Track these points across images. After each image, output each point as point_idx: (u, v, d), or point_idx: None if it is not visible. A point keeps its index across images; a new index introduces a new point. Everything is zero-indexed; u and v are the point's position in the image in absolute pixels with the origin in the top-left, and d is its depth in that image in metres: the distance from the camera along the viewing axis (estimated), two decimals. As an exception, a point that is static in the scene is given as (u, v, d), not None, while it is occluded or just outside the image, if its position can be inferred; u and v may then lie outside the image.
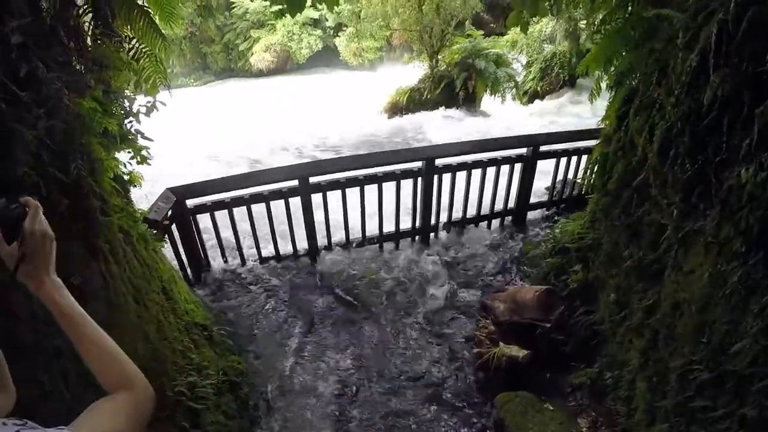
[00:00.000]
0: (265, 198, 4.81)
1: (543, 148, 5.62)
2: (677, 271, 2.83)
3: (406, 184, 5.21)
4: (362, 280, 5.01)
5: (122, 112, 3.27)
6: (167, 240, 4.38)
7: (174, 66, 28.53)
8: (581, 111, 14.00)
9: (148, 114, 3.93)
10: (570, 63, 14.98)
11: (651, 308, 3.07)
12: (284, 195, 4.84)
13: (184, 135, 12.93)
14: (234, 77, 29.20)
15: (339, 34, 23.23)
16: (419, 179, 5.15)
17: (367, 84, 20.84)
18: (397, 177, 5.10)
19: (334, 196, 5.00)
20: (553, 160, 5.88)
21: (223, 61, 29.74)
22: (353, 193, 5.04)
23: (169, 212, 4.24)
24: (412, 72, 15.71)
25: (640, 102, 3.25)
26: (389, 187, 5.15)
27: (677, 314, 2.75)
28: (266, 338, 4.40)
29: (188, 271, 4.79)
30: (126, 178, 3.30)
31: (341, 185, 4.94)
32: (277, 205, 4.90)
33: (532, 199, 6.07)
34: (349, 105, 17.00)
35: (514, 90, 14.68)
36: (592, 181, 4.28)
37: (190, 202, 4.61)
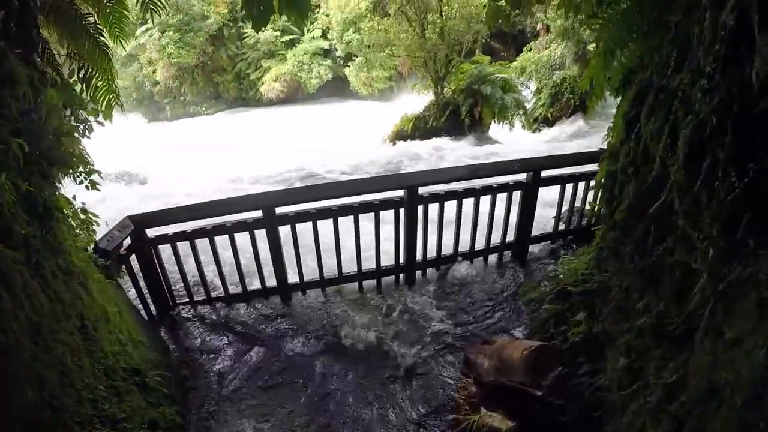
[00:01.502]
0: (228, 230, 4.38)
1: (545, 173, 4.99)
2: (714, 337, 1.99)
3: (387, 216, 4.63)
4: (335, 326, 4.41)
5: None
6: (124, 272, 4.13)
7: (186, 94, 28.96)
8: (594, 137, 13.38)
9: (85, 134, 3.54)
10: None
11: (674, 387, 2.28)
12: (249, 227, 4.36)
13: (188, 160, 14.62)
14: (245, 106, 29.49)
15: (349, 64, 23.26)
16: (401, 210, 4.58)
17: (376, 113, 20.84)
18: (375, 208, 4.53)
19: (305, 228, 4.45)
20: (558, 187, 5.27)
21: (234, 90, 30.05)
22: (326, 225, 4.49)
23: (125, 242, 3.99)
24: (420, 101, 15.45)
25: (655, 98, 2.54)
26: (368, 219, 4.58)
27: (713, 403, 1.93)
28: (217, 388, 3.87)
29: (151, 306, 4.47)
30: (49, 201, 2.85)
31: (312, 216, 4.40)
32: (244, 238, 4.43)
33: (536, 231, 5.42)
34: (354, 134, 16.86)
35: (522, 116, 14.22)
36: (598, 209, 3.66)
37: (153, 232, 4.25)
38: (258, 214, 4.27)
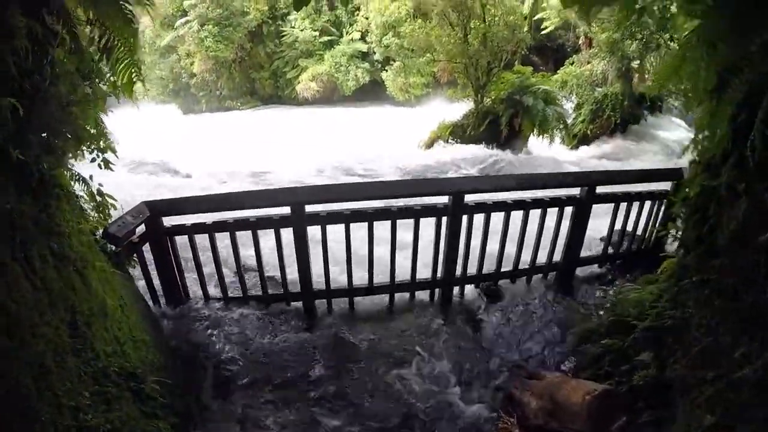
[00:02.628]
0: (252, 225, 4.00)
1: (600, 190, 4.53)
2: None
3: (428, 224, 4.18)
4: (362, 342, 3.97)
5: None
6: (136, 262, 3.83)
7: (222, 88, 29.17)
8: (636, 157, 13.16)
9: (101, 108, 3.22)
10: (622, 105, 14.32)
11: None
12: (275, 224, 3.97)
13: (225, 153, 14.71)
14: (280, 104, 29.53)
15: (386, 68, 23.01)
16: (444, 218, 4.12)
17: (411, 119, 20.51)
18: (416, 214, 4.10)
19: (336, 230, 4.04)
20: (611, 205, 4.85)
21: (270, 87, 30.18)
22: (360, 229, 4.07)
23: (137, 229, 3.68)
24: (458, 109, 15.04)
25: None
26: (406, 225, 4.14)
27: None
28: (223, 401, 3.49)
29: (161, 300, 4.13)
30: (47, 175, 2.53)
31: (345, 218, 3.99)
32: (268, 236, 4.06)
33: (582, 252, 4.93)
34: (390, 138, 16.56)
35: (563, 131, 13.75)
36: (678, 233, 3.15)
37: (169, 221, 3.93)
38: (286, 210, 3.88)
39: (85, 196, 3.60)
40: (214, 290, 4.42)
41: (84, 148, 3.41)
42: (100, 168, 3.57)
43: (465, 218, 4.15)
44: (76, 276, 2.64)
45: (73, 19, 2.78)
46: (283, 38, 28.26)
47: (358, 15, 27.22)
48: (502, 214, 4.32)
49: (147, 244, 3.88)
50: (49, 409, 2.15)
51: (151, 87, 29.81)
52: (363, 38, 26.88)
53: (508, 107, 13.14)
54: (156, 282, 4.03)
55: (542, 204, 4.40)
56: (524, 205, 4.33)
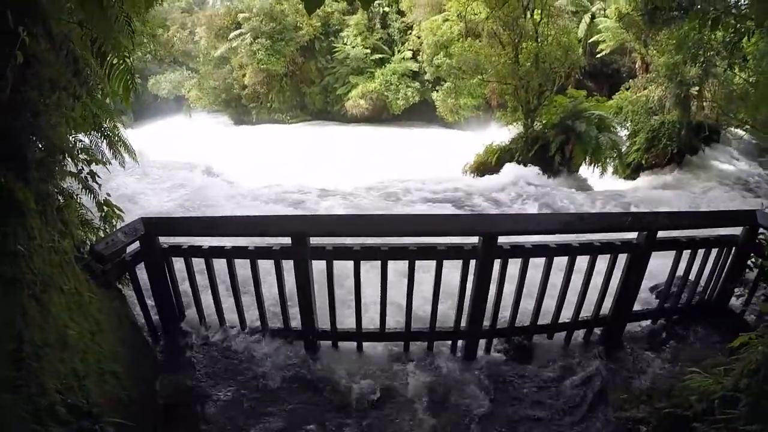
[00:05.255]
0: (251, 254, 3.61)
1: (661, 235, 3.87)
2: None
3: (452, 266, 3.60)
4: (367, 401, 3.41)
5: None
6: (126, 282, 3.67)
7: (273, 101, 29.74)
8: (692, 191, 12.16)
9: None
10: (679, 135, 13.57)
11: None
12: (275, 254, 3.54)
13: (272, 165, 15.81)
14: (329, 120, 29.89)
15: (437, 88, 22.71)
16: (472, 262, 3.53)
17: (459, 141, 20.49)
18: (438, 255, 3.52)
19: (343, 266, 3.54)
20: (672, 253, 4.13)
21: (320, 102, 30.56)
22: (373, 267, 3.56)
23: (128, 248, 3.51)
24: (505, 133, 14.68)
25: None
26: (426, 266, 3.58)
27: None
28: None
29: (155, 324, 3.87)
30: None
31: (354, 254, 3.48)
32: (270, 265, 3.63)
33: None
34: (435, 160, 16.27)
35: (616, 160, 13.08)
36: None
37: (166, 241, 3.71)
38: (288, 241, 3.43)
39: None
40: (211, 318, 4.06)
41: (69, 159, 3.13)
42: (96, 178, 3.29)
43: (498, 262, 3.54)
44: (30, 301, 2.37)
45: (48, 23, 2.44)
46: (334, 54, 28.60)
47: (410, 34, 27.14)
48: (543, 259, 3.69)
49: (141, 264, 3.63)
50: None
51: (204, 96, 30.73)
52: (414, 57, 26.81)
53: (559, 133, 12.62)
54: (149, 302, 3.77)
55: (591, 249, 3.74)
56: (570, 251, 3.68)
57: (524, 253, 3.58)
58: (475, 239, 3.47)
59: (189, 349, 3.86)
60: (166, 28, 29.30)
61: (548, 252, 3.62)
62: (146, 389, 3.23)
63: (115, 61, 3.03)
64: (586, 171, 13.20)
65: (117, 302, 3.37)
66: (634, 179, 14.09)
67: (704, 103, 14.04)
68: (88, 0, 2.67)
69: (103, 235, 3.92)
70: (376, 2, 27.20)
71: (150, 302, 3.76)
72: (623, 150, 14.14)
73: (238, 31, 27.84)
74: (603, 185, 12.82)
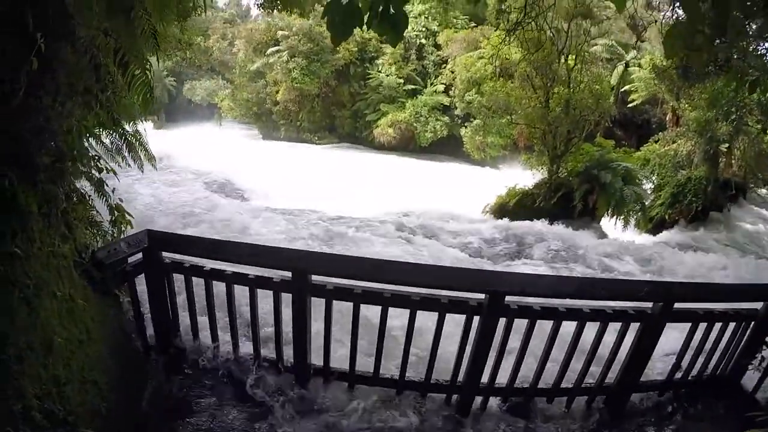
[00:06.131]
0: (250, 282, 3.55)
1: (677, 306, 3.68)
2: None
3: (453, 319, 3.46)
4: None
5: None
6: (124, 292, 3.62)
7: (303, 120, 30.16)
8: (713, 251, 11.78)
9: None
10: (705, 191, 13.28)
11: None
12: (273, 286, 3.49)
13: (296, 183, 16.95)
14: (356, 144, 30.37)
15: (466, 124, 22.80)
16: (476, 317, 3.40)
17: (483, 179, 20.44)
18: (442, 307, 3.41)
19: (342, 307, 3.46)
20: (687, 325, 3.93)
21: (349, 127, 30.94)
22: (372, 311, 3.48)
23: (130, 258, 3.49)
24: (529, 176, 14.54)
25: None
26: (428, 317, 3.47)
27: None
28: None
29: (148, 337, 3.85)
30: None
31: (354, 297, 3.39)
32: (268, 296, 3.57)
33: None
34: (456, 196, 16.30)
35: (639, 213, 12.76)
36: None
37: (169, 256, 3.67)
38: (288, 274, 3.38)
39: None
40: (205, 336, 4.02)
41: (79, 165, 3.13)
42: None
43: (503, 321, 3.41)
44: (20, 304, 2.38)
45: (72, 25, 2.45)
46: (368, 80, 29.03)
47: (444, 68, 27.40)
48: (551, 322, 3.53)
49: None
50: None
51: (236, 107, 31.38)
52: (446, 91, 27.03)
53: (584, 182, 12.40)
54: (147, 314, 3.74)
55: (603, 316, 3.57)
56: (580, 316, 3.51)
57: (532, 314, 3.43)
58: (481, 296, 3.34)
59: (180, 364, 3.84)
60: (206, 36, 30.15)
61: (557, 315, 3.46)
62: (129, 401, 3.20)
63: (137, 72, 3.05)
64: (607, 222, 12.91)
65: (113, 311, 3.37)
66: (656, 234, 13.70)
67: (733, 161, 13.81)
68: (114, 9, 2.69)
69: (110, 239, 3.94)
70: (413, 33, 27.55)
71: (147, 314, 3.74)
72: (646, 203, 13.83)
73: (275, 48, 28.45)
74: (625, 237, 12.41)
